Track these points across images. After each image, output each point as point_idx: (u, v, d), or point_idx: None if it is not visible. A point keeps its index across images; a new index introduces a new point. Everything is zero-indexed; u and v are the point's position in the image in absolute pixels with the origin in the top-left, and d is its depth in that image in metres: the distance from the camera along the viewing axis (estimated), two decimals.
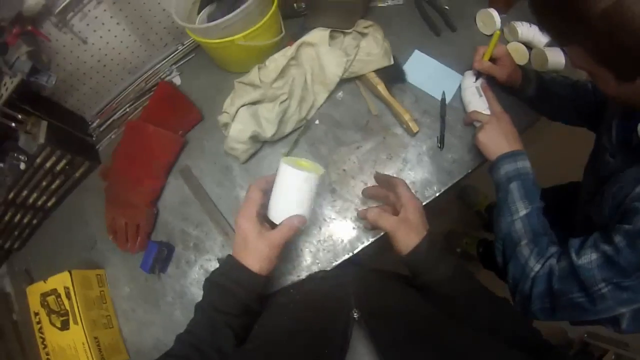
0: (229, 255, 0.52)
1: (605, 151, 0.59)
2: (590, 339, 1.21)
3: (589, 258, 0.48)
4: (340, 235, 0.69)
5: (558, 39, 0.48)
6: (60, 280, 0.71)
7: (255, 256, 0.50)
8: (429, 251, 0.52)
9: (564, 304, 0.50)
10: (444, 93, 0.77)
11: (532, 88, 0.71)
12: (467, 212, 1.50)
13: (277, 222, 0.52)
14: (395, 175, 0.68)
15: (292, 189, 0.51)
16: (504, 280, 0.69)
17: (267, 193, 0.53)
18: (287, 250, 0.69)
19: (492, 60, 0.70)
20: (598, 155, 0.63)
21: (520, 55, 0.81)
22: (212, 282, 0.51)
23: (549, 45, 0.80)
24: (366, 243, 0.68)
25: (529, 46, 0.82)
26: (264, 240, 0.50)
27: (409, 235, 0.53)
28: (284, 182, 0.52)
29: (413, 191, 0.70)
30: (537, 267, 0.53)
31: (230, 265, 0.51)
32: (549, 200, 0.62)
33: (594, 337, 1.20)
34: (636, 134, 0.48)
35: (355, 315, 0.38)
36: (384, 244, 0.69)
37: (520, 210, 0.57)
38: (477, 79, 0.73)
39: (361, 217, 0.67)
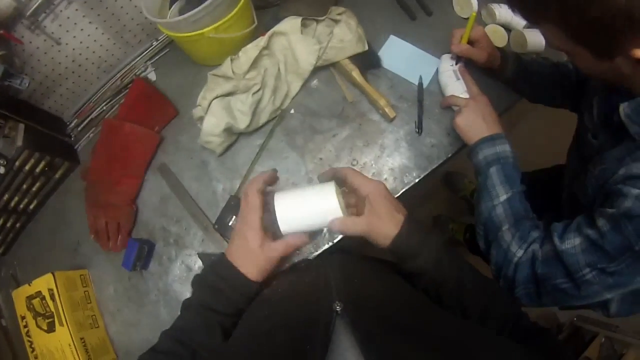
0: (224, 257, 0.50)
1: (587, 131, 0.58)
2: (581, 322, 1.21)
3: (572, 242, 0.47)
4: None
5: (529, 17, 0.47)
6: (44, 283, 0.71)
7: (255, 265, 0.49)
8: (410, 237, 0.48)
9: (549, 289, 0.49)
10: (420, 77, 0.76)
11: (511, 69, 0.70)
12: (453, 197, 1.49)
13: (283, 231, 0.49)
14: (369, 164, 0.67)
15: (318, 214, 0.48)
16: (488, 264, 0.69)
17: (265, 191, 0.52)
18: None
19: (470, 42, 0.69)
20: (580, 136, 0.62)
21: (498, 37, 0.80)
22: (205, 283, 0.50)
23: (527, 26, 0.78)
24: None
25: (507, 28, 0.81)
26: (265, 252, 0.49)
27: (385, 228, 0.47)
28: (317, 203, 0.49)
29: (392, 178, 0.71)
30: (520, 253, 0.52)
31: (226, 269, 0.50)
32: (535, 184, 0.62)
33: (583, 320, 1.20)
34: (617, 113, 0.47)
35: (338, 307, 0.37)
36: None
37: (501, 195, 0.56)
38: (456, 63, 0.72)
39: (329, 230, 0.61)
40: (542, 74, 0.71)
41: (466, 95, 0.68)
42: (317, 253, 0.68)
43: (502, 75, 0.72)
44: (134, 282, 0.73)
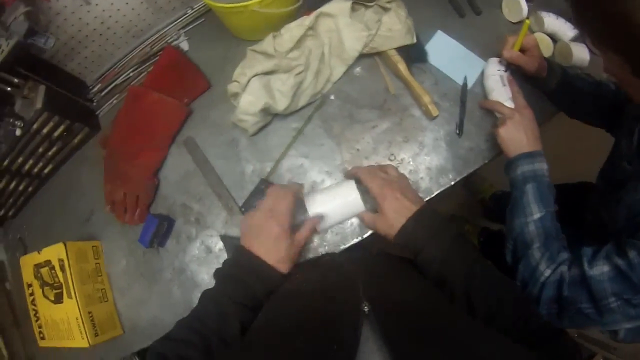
0: (244, 249, 0.51)
1: (622, 157, 0.58)
2: (581, 340, 1.21)
3: (601, 269, 0.47)
4: (352, 219, 0.66)
5: (597, 44, 0.46)
6: (54, 252, 0.68)
7: (281, 256, 0.51)
8: (416, 231, 0.51)
9: (572, 312, 0.49)
10: (465, 78, 0.73)
11: (555, 81, 0.68)
12: (471, 199, 1.47)
13: (310, 211, 0.58)
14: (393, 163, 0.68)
15: (343, 206, 0.59)
16: (501, 270, 0.68)
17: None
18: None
19: (521, 50, 0.67)
20: (615, 160, 0.62)
21: (544, 46, 0.78)
22: (228, 274, 0.50)
23: (574, 39, 0.76)
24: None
25: (553, 38, 0.79)
26: (293, 244, 0.53)
27: (388, 224, 0.53)
28: (341, 197, 0.59)
29: (428, 178, 0.68)
30: (548, 272, 0.52)
31: (250, 260, 0.50)
32: (558, 196, 0.61)
33: (584, 338, 1.20)
34: None
35: (366, 308, 0.36)
36: None
37: (535, 213, 0.56)
38: (506, 69, 0.70)
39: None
40: (585, 91, 0.70)
41: (511, 104, 0.67)
42: (344, 247, 0.66)
43: (545, 86, 0.70)
44: (147, 257, 0.70)
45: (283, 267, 0.51)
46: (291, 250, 0.53)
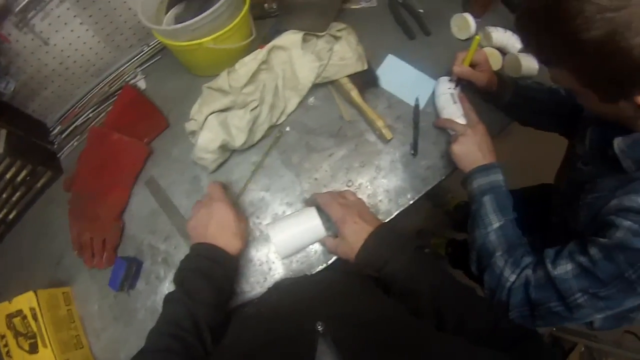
0: (197, 243, 0.55)
1: (578, 158, 0.60)
2: (560, 333, 1.25)
3: (564, 268, 0.49)
4: (313, 245, 0.68)
5: (545, 61, 0.48)
6: (25, 301, 0.67)
7: (235, 236, 0.56)
8: (375, 250, 0.54)
9: (543, 312, 0.51)
10: (417, 99, 0.76)
11: (508, 94, 0.71)
12: (436, 212, 1.50)
13: (282, 254, 0.64)
14: (364, 184, 0.70)
15: (304, 232, 0.61)
16: (472, 279, 0.70)
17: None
18: (259, 262, 0.68)
19: (471, 66, 0.70)
20: (571, 161, 0.64)
21: (494, 60, 0.81)
22: (187, 271, 0.52)
23: (522, 51, 0.80)
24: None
25: (502, 51, 0.82)
26: (240, 218, 0.58)
27: (349, 247, 0.56)
28: (303, 224, 0.62)
29: (387, 200, 0.71)
30: (513, 277, 0.54)
31: (207, 249, 0.54)
32: (520, 201, 0.63)
33: (563, 330, 1.24)
34: (611, 146, 0.49)
35: (320, 327, 0.38)
36: None
37: (494, 223, 0.58)
38: (456, 85, 0.72)
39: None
40: (538, 100, 0.72)
41: (463, 120, 0.69)
42: (310, 274, 0.67)
43: (498, 100, 0.72)
44: (120, 300, 0.71)
45: (238, 243, 0.56)
46: (241, 223, 0.58)
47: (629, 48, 0.37)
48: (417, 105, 0.75)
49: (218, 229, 0.55)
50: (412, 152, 0.73)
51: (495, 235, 0.58)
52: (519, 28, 0.48)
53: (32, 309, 0.67)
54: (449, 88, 0.73)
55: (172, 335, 0.45)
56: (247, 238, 0.59)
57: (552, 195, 0.73)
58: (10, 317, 0.69)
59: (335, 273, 0.66)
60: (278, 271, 0.67)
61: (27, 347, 0.68)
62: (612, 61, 0.39)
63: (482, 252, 0.58)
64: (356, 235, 0.56)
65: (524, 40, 0.49)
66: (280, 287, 0.63)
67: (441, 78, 0.75)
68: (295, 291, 0.56)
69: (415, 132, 0.74)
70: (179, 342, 0.45)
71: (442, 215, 1.49)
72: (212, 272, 0.51)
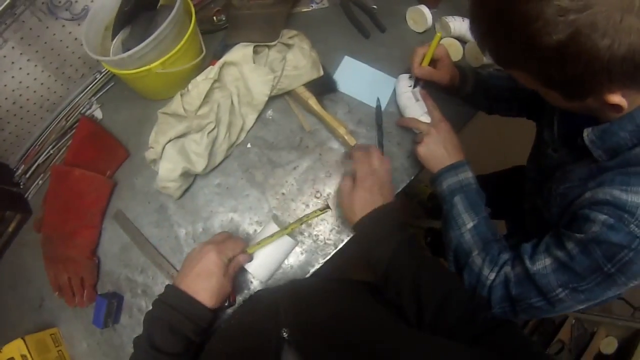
0: (174, 288, 0.52)
1: (547, 145, 0.59)
2: None
3: (542, 264, 0.48)
4: (289, 261, 0.68)
5: (502, 64, 0.46)
6: (15, 348, 0.68)
7: (215, 291, 0.52)
8: (373, 227, 0.55)
9: (524, 307, 0.51)
10: (378, 100, 0.74)
11: (470, 85, 0.69)
12: (410, 202, 1.49)
13: (259, 277, 0.65)
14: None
15: (274, 249, 0.62)
16: None
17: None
18: (237, 281, 0.68)
19: (432, 61, 0.67)
20: (540, 148, 0.63)
21: (454, 51, 0.79)
22: (155, 317, 0.51)
23: None
24: (317, 266, 0.68)
25: (462, 40, 0.80)
26: (227, 277, 0.54)
27: (354, 210, 0.57)
28: (273, 244, 0.62)
29: None
30: (492, 275, 0.54)
31: (180, 299, 0.51)
32: (494, 187, 0.62)
33: None
34: (580, 135, 0.48)
35: (285, 334, 0.38)
36: (339, 263, 0.69)
37: (467, 223, 0.58)
38: (414, 85, 0.71)
39: None
40: (500, 87, 0.71)
41: (427, 118, 0.68)
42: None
43: (461, 92, 0.71)
44: (106, 336, 0.71)
45: (215, 303, 0.52)
46: (228, 285, 0.55)
47: (596, 49, 0.35)
48: (378, 107, 0.74)
49: (199, 278, 0.52)
50: None
51: (469, 235, 0.57)
52: (471, 32, 0.46)
53: (23, 356, 0.67)
54: (410, 86, 0.71)
55: None
56: (226, 296, 0.55)
57: (524, 182, 0.73)
58: None
59: (305, 280, 0.66)
60: (255, 288, 0.68)
61: None
62: (577, 63, 0.37)
63: (458, 252, 0.58)
64: (364, 203, 0.56)
65: (478, 44, 0.46)
66: (252, 299, 0.64)
67: (401, 75, 0.74)
68: (263, 300, 0.57)
69: (379, 134, 0.73)
70: None
71: (416, 206, 1.48)
72: (182, 327, 0.49)
